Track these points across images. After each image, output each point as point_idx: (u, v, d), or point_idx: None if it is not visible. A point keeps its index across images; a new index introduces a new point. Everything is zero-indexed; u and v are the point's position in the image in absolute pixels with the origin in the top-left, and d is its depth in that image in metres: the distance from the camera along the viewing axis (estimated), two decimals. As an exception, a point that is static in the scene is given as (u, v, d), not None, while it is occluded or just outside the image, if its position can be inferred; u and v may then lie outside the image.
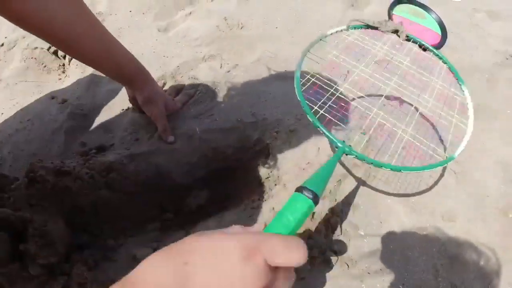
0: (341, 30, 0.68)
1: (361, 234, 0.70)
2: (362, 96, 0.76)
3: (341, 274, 0.66)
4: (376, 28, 0.73)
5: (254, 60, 0.94)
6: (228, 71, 0.90)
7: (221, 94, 0.84)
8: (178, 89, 0.85)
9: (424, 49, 0.76)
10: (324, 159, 0.77)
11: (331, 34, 0.66)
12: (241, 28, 1.04)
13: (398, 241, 0.72)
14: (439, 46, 1.19)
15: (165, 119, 0.76)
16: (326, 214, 0.70)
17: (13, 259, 0.53)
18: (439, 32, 1.24)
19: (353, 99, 0.85)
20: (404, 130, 0.61)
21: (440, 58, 0.73)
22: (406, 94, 0.72)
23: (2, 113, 0.84)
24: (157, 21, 1.05)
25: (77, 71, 0.92)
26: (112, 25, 1.01)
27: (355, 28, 0.70)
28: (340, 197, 0.73)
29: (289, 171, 0.75)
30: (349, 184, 0.75)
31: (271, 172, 0.76)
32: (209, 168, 0.77)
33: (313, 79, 0.63)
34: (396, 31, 0.74)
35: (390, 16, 1.21)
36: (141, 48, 0.95)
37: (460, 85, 0.69)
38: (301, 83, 0.57)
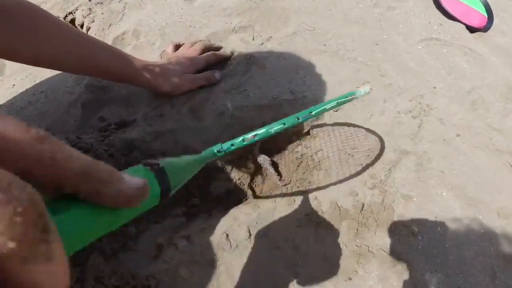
0: None
1: (414, 230, 0.62)
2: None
3: (392, 274, 0.57)
4: None
5: (290, 33, 0.84)
6: (262, 44, 0.81)
7: (254, 68, 0.75)
8: (206, 47, 0.77)
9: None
10: (372, 144, 0.68)
11: None
12: (274, -2, 0.94)
13: (454, 239, 0.64)
14: (485, 28, 1.09)
15: (196, 83, 0.71)
16: (376, 206, 0.61)
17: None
18: (485, 14, 1.14)
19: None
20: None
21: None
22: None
23: (13, 85, 0.76)
24: (181, -10, 0.95)
25: (95, 41, 0.83)
26: (132, -7, 0.92)
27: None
28: (391, 187, 0.64)
29: (332, 156, 0.66)
30: (400, 173, 0.66)
31: (311, 156, 0.67)
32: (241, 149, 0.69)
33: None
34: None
35: (437, -6, 1.11)
36: (166, 17, 0.86)
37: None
38: None
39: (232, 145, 0.38)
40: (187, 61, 0.71)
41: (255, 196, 0.68)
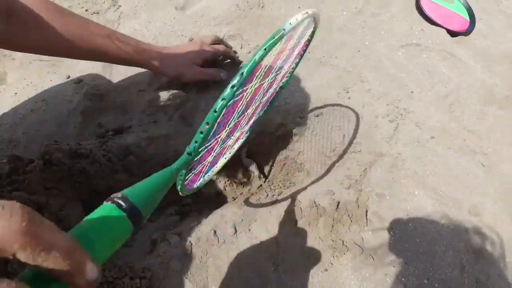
0: None
1: (387, 226, 0.67)
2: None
3: (365, 266, 0.63)
4: None
5: (276, 41, 0.89)
6: (249, 52, 0.86)
7: (242, 76, 0.80)
8: (218, 40, 0.82)
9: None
10: (350, 147, 0.73)
11: None
12: (262, 7, 0.98)
13: (425, 234, 0.69)
14: (467, 32, 1.13)
15: (201, 76, 0.76)
16: (351, 204, 0.66)
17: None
18: (467, 18, 1.18)
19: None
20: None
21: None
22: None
23: (15, 93, 0.81)
24: (174, -1, 1.00)
25: (93, 50, 0.88)
26: (127, 4, 0.97)
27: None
28: (366, 186, 0.70)
29: (312, 158, 0.72)
30: (375, 173, 0.72)
31: (293, 159, 0.73)
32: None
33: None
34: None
35: (418, 0, 1.15)
36: (159, 26, 0.91)
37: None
38: None
39: (196, 141, 0.33)
40: (196, 48, 0.76)
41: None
